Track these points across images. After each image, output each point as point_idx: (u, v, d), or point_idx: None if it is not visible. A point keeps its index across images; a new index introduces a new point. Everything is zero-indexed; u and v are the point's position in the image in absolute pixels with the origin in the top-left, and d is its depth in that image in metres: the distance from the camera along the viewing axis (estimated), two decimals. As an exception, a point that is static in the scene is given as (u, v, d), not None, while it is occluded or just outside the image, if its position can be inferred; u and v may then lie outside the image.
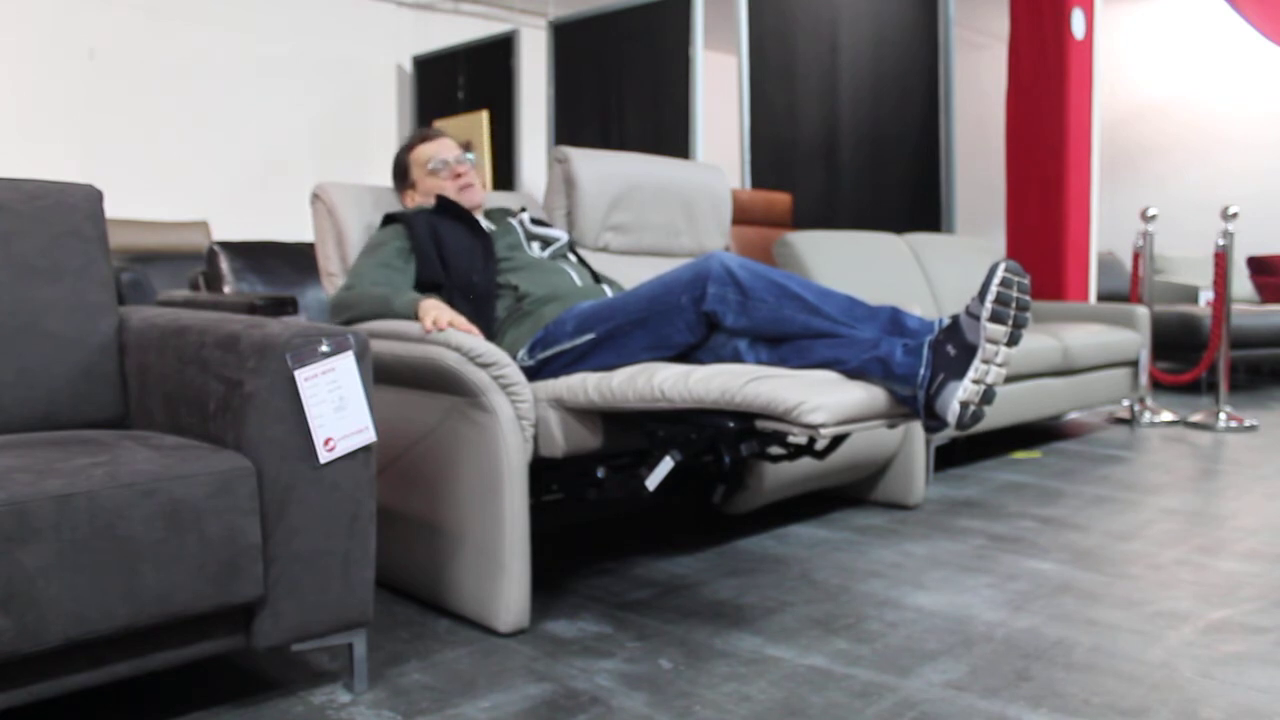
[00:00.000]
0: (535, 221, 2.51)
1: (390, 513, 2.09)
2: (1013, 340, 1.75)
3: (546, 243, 2.47)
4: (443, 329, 1.94)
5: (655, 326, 1.99)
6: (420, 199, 2.46)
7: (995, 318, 1.73)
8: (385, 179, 2.65)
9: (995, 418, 3.49)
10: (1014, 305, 1.74)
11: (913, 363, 1.80)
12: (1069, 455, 3.74)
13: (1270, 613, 2.05)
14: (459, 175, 2.43)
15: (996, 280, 1.74)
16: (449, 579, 1.99)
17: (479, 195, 2.46)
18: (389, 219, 2.35)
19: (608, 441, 2.04)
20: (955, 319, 1.79)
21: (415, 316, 2.00)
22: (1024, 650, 1.85)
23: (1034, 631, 1.94)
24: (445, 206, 2.37)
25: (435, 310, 1.98)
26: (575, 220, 2.74)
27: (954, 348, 1.77)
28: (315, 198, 2.42)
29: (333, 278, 2.39)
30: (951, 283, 4.26)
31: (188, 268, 3.93)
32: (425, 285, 2.24)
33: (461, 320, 1.98)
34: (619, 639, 1.91)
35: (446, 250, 2.27)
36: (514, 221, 2.47)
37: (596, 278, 2.45)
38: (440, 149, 2.46)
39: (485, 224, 2.40)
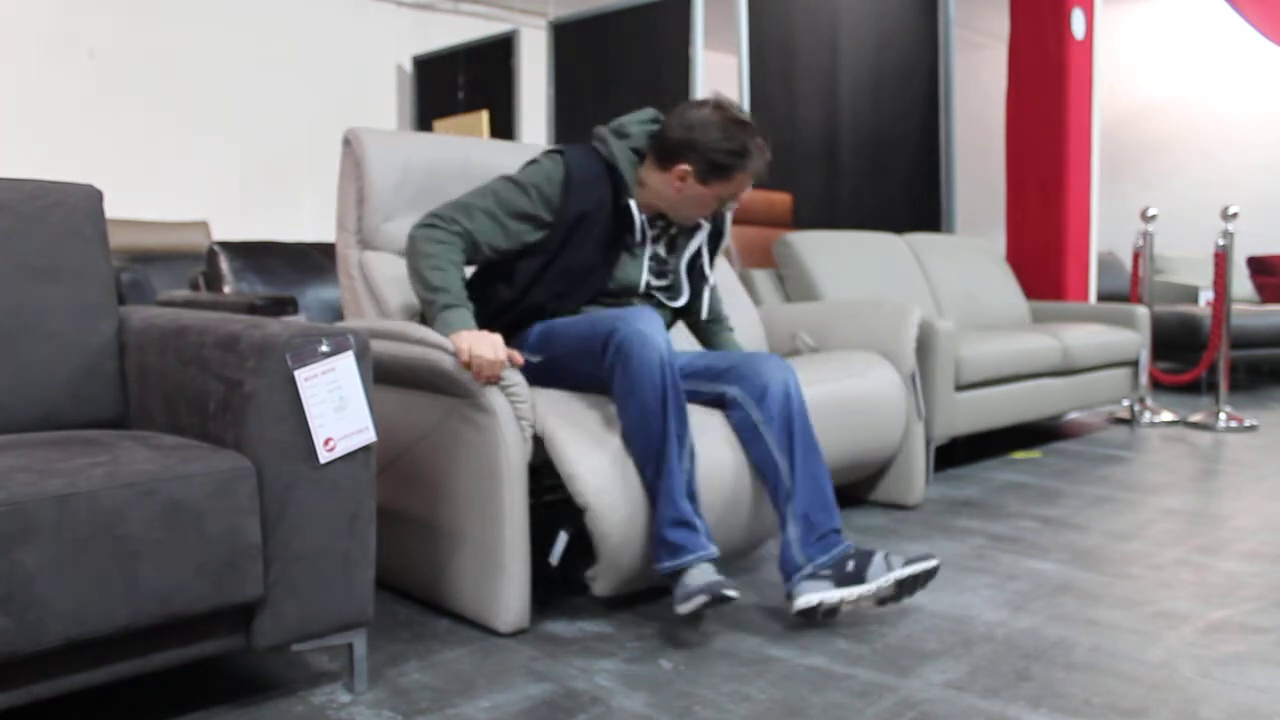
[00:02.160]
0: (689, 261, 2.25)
1: (390, 513, 2.10)
2: (881, 598, 1.96)
3: (661, 276, 2.22)
4: (492, 381, 1.86)
5: (588, 366, 1.98)
6: (659, 188, 2.11)
7: (899, 588, 1.94)
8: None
9: (995, 418, 3.50)
10: (910, 592, 1.96)
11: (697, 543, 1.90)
12: (1069, 455, 3.74)
13: (1270, 613, 2.05)
14: (709, 207, 2.15)
15: (925, 567, 1.94)
16: (449, 579, 1.99)
17: (692, 223, 2.21)
18: (557, 155, 2.08)
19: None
20: (865, 554, 1.95)
21: (446, 345, 1.89)
22: (1024, 650, 1.85)
23: (1034, 631, 1.94)
24: (615, 192, 2.08)
25: (479, 350, 1.85)
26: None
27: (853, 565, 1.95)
28: (346, 143, 2.32)
29: (345, 234, 2.33)
30: (951, 283, 4.27)
31: (188, 268, 3.94)
32: (520, 250, 2.07)
33: (502, 359, 1.87)
34: (619, 639, 1.91)
35: (565, 257, 2.07)
36: (651, 245, 2.19)
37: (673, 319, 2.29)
38: (744, 188, 2.13)
39: (649, 252, 2.16)
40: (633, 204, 2.11)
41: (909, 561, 1.94)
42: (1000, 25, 7.32)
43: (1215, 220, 4.71)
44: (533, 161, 2.13)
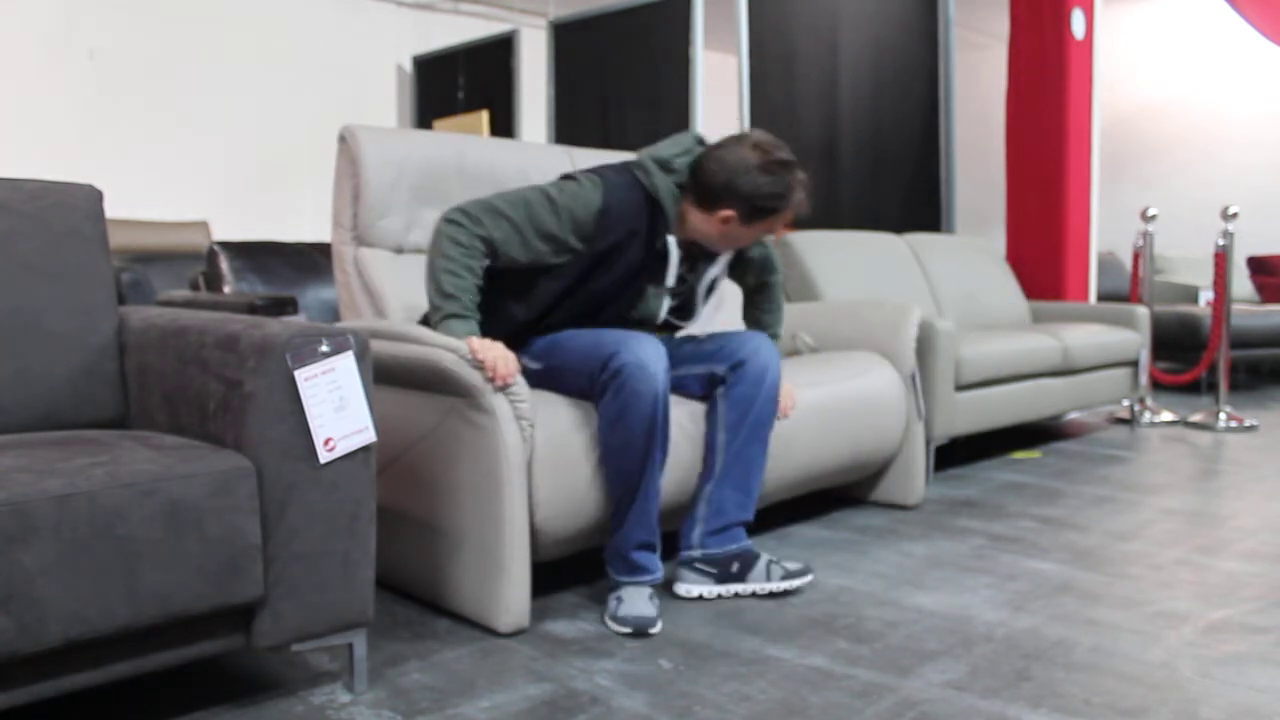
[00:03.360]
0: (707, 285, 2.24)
1: (390, 513, 2.10)
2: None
3: (677, 296, 2.22)
4: (507, 382, 1.87)
5: (582, 381, 2.01)
6: (700, 226, 2.09)
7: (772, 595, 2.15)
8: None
9: (995, 418, 3.50)
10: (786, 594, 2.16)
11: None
12: (1069, 455, 3.74)
13: (1270, 613, 2.05)
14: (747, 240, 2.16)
15: (798, 584, 2.15)
16: (449, 579, 1.99)
17: (727, 252, 2.21)
18: (598, 181, 2.04)
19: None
20: (751, 557, 2.15)
21: (461, 347, 1.90)
22: (1024, 650, 1.85)
23: (1034, 631, 1.94)
24: (653, 222, 2.06)
25: (493, 351, 1.87)
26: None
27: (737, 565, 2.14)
28: (342, 140, 2.34)
29: (341, 231, 2.35)
30: (951, 283, 4.27)
31: (188, 268, 3.94)
32: (535, 268, 2.05)
33: (513, 362, 1.89)
34: (619, 639, 1.91)
35: (601, 274, 2.06)
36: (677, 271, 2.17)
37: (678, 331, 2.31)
38: (787, 221, 2.13)
39: (672, 274, 2.14)
40: (671, 242, 2.10)
41: (786, 575, 2.14)
42: (1000, 25, 7.32)
43: (1215, 220, 4.71)
44: (571, 178, 2.08)
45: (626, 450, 1.93)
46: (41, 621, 1.27)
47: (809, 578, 2.15)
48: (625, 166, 2.11)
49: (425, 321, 2.08)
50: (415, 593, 2.09)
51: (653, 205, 2.07)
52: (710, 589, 2.14)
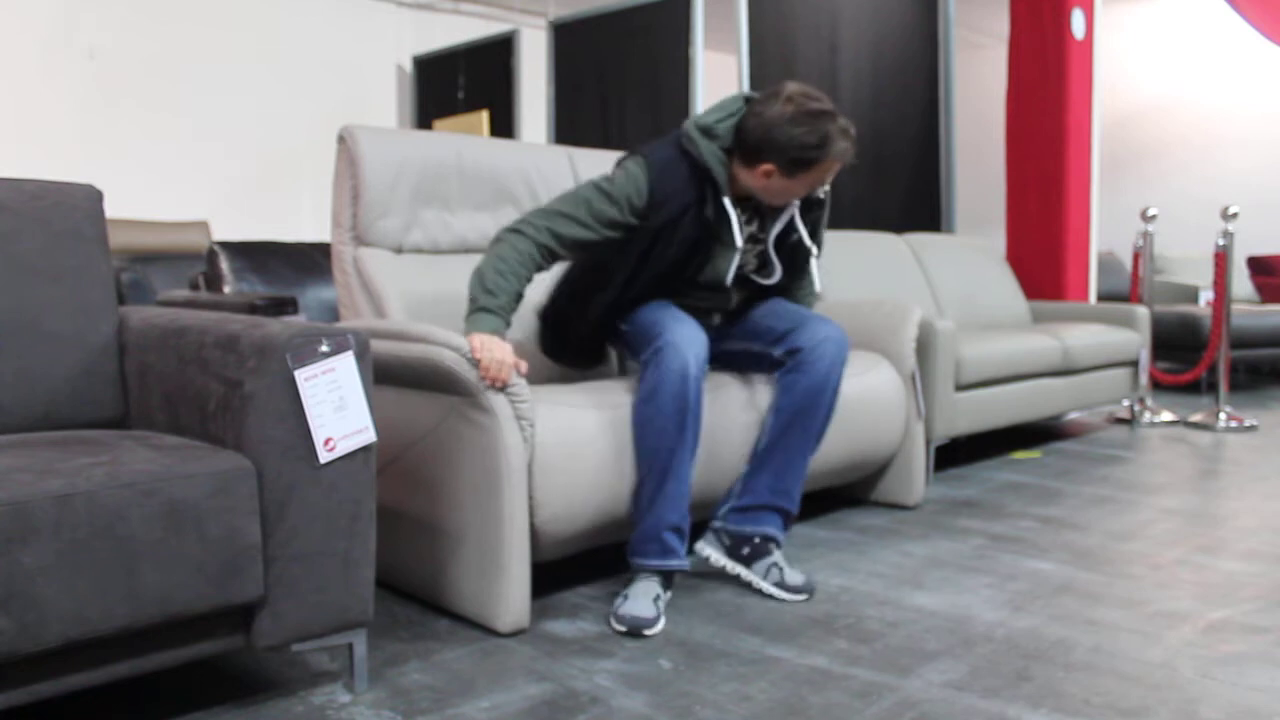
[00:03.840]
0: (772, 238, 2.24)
1: (390, 513, 2.09)
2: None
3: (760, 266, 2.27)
4: (501, 386, 1.89)
5: (632, 354, 2.16)
6: (748, 182, 2.12)
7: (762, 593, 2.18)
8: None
9: (995, 418, 3.50)
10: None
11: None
12: (1069, 455, 3.74)
13: (1270, 613, 2.05)
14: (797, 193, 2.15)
15: (788, 598, 2.15)
16: (449, 579, 1.99)
17: (780, 205, 2.20)
18: (642, 162, 2.11)
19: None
20: (764, 548, 2.19)
21: (462, 345, 1.92)
22: (1024, 650, 1.85)
23: (1034, 631, 1.94)
24: (702, 190, 2.10)
25: (493, 353, 1.88)
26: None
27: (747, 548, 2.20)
28: (341, 141, 2.35)
29: (340, 231, 2.35)
30: (951, 283, 4.27)
31: (188, 268, 3.94)
32: (607, 249, 2.14)
33: (509, 367, 1.90)
34: (619, 639, 1.91)
35: (653, 256, 2.12)
36: (744, 227, 2.20)
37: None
38: (833, 171, 2.11)
39: (738, 233, 2.15)
40: (728, 203, 2.13)
41: (780, 584, 2.15)
42: (1000, 25, 7.32)
43: (1215, 220, 4.71)
44: (621, 166, 2.16)
45: (656, 424, 1.97)
46: (41, 621, 1.27)
47: (803, 597, 2.14)
48: (674, 137, 2.16)
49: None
50: (415, 593, 2.09)
51: (702, 172, 2.11)
52: (718, 558, 2.21)
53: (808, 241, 2.28)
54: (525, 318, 2.53)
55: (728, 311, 2.34)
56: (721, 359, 2.37)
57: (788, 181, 2.09)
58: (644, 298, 2.18)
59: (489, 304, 1.99)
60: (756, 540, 2.18)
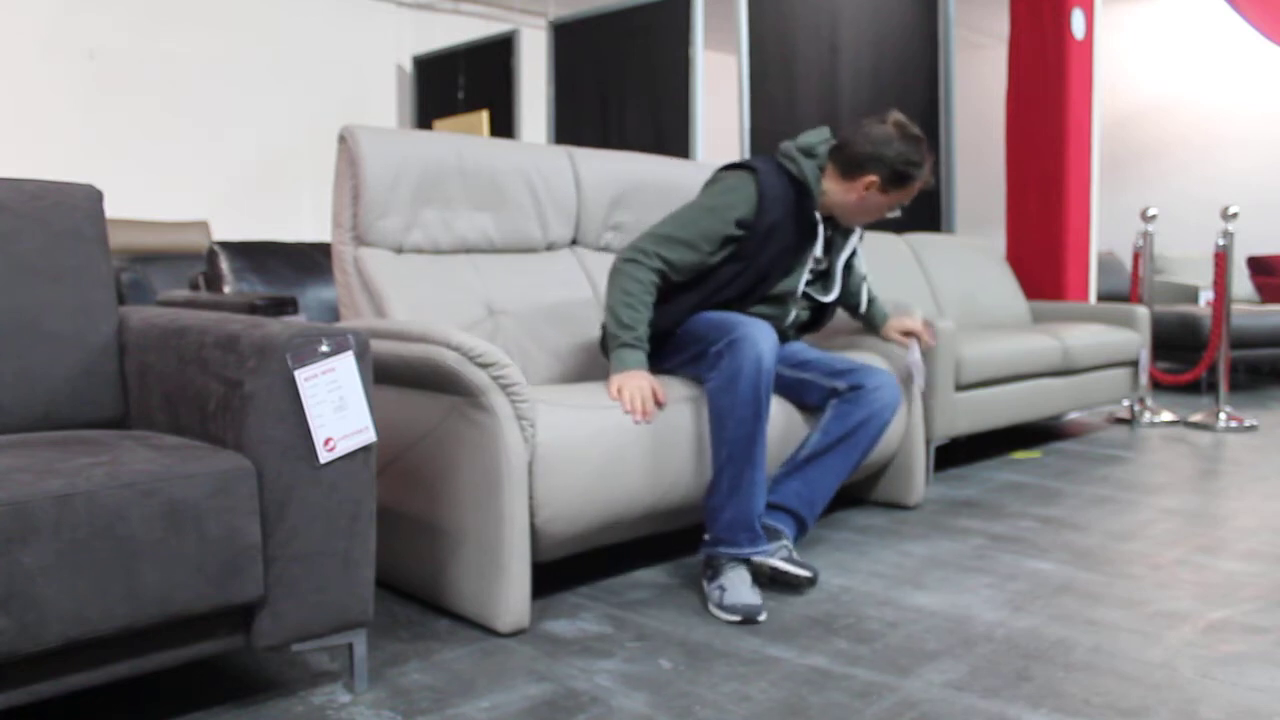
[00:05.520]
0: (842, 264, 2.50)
1: (390, 513, 2.09)
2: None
3: (821, 281, 2.48)
4: (645, 420, 2.09)
5: (703, 348, 2.20)
6: (840, 198, 2.33)
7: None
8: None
9: (995, 418, 3.50)
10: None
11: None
12: (1069, 455, 3.74)
13: (1270, 613, 2.05)
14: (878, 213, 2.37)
15: (802, 572, 2.15)
16: (449, 579, 1.99)
17: (860, 225, 2.45)
18: (750, 175, 2.30)
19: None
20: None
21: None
22: (1024, 650, 1.85)
23: (1034, 631, 1.94)
24: (800, 202, 2.31)
25: (632, 386, 2.10)
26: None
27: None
28: (342, 140, 2.36)
29: (341, 231, 2.36)
30: (951, 283, 4.26)
31: (188, 268, 3.93)
32: (716, 268, 2.31)
33: (650, 401, 2.10)
34: (619, 639, 1.91)
35: (755, 262, 2.30)
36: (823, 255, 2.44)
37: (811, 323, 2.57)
38: (913, 195, 2.35)
39: (820, 246, 2.38)
40: (818, 216, 2.35)
41: (789, 560, 2.14)
42: (1000, 25, 7.32)
43: (1215, 220, 4.71)
44: (718, 179, 2.36)
45: (737, 412, 2.03)
46: (41, 621, 1.27)
47: (809, 573, 2.15)
48: (770, 158, 2.37)
49: (603, 342, 2.31)
50: (415, 593, 2.09)
51: (799, 187, 2.33)
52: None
53: (862, 268, 2.58)
54: (539, 328, 2.53)
55: (783, 328, 2.48)
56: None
57: (882, 197, 2.31)
58: (726, 303, 2.32)
59: (629, 339, 2.18)
60: (769, 528, 2.20)
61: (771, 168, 2.33)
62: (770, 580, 2.17)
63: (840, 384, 2.36)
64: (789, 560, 2.14)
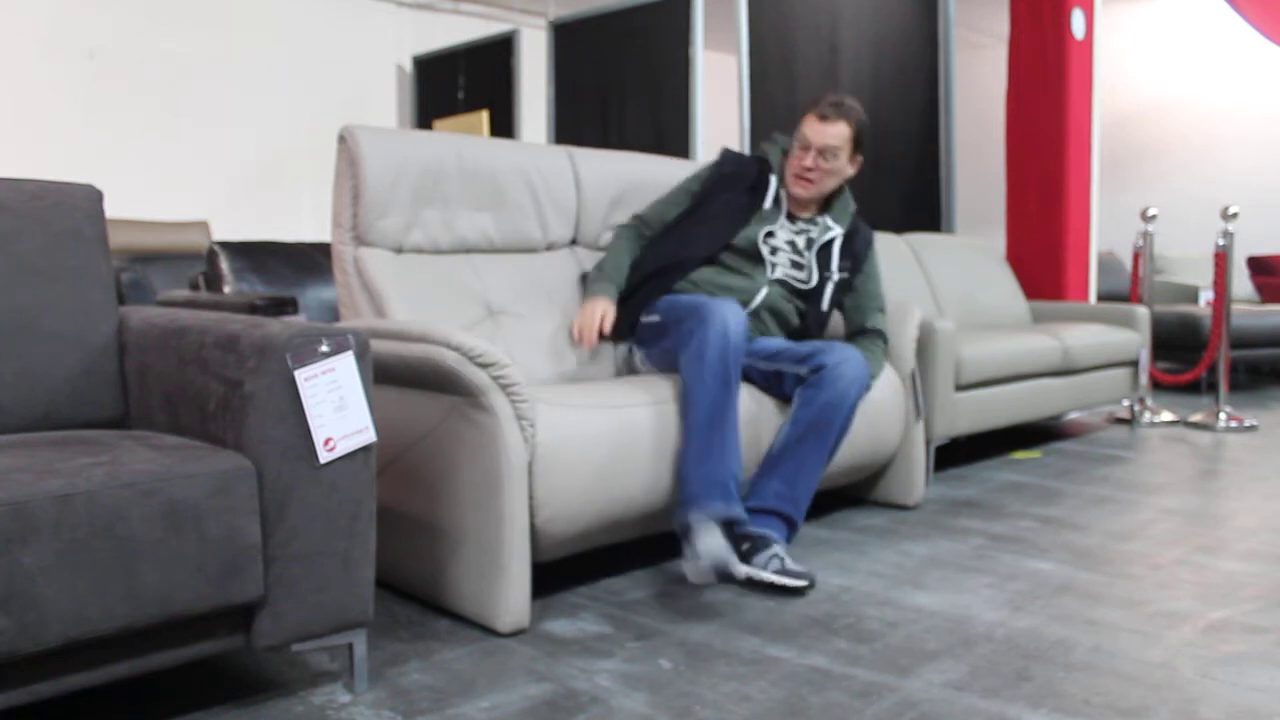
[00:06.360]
0: (817, 249, 2.62)
1: (390, 513, 2.09)
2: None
3: (797, 266, 2.61)
4: (583, 343, 2.41)
5: (682, 330, 2.28)
6: (788, 160, 2.62)
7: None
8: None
9: (995, 418, 3.50)
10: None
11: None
12: (1069, 455, 3.74)
13: (1270, 613, 2.05)
14: (805, 167, 2.55)
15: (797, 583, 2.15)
16: (449, 579, 1.99)
17: (804, 192, 2.58)
18: (724, 153, 2.72)
19: (608, 441, 2.04)
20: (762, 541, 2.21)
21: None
22: (1024, 650, 1.85)
23: (1034, 631, 1.94)
24: (761, 172, 2.63)
25: (584, 316, 2.44)
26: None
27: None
28: (342, 140, 2.36)
29: (341, 231, 2.36)
30: (951, 283, 4.26)
31: (188, 268, 3.93)
32: (677, 222, 2.66)
33: (593, 325, 2.40)
34: (619, 639, 1.91)
35: (705, 209, 2.61)
36: (789, 229, 2.61)
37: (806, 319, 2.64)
38: (814, 132, 2.54)
39: (767, 210, 2.61)
40: (772, 177, 2.63)
41: (782, 570, 2.14)
42: (1000, 25, 7.32)
43: (1215, 220, 4.70)
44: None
45: (705, 379, 2.09)
46: (41, 621, 1.27)
47: (805, 583, 2.14)
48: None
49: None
50: (415, 593, 2.09)
51: (762, 164, 2.66)
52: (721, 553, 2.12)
53: (834, 265, 2.61)
54: (539, 328, 2.52)
55: (756, 309, 2.56)
56: (749, 376, 2.45)
57: (795, 148, 2.60)
58: (689, 257, 2.55)
59: (596, 277, 2.54)
60: (756, 536, 2.19)
61: (747, 155, 2.70)
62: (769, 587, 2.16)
63: (803, 369, 2.36)
64: (782, 572, 2.14)
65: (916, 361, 2.90)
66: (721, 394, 2.09)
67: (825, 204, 2.67)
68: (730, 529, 2.06)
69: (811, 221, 2.63)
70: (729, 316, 2.15)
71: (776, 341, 2.51)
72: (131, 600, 1.34)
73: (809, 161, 2.53)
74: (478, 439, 1.90)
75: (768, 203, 2.59)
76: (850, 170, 2.63)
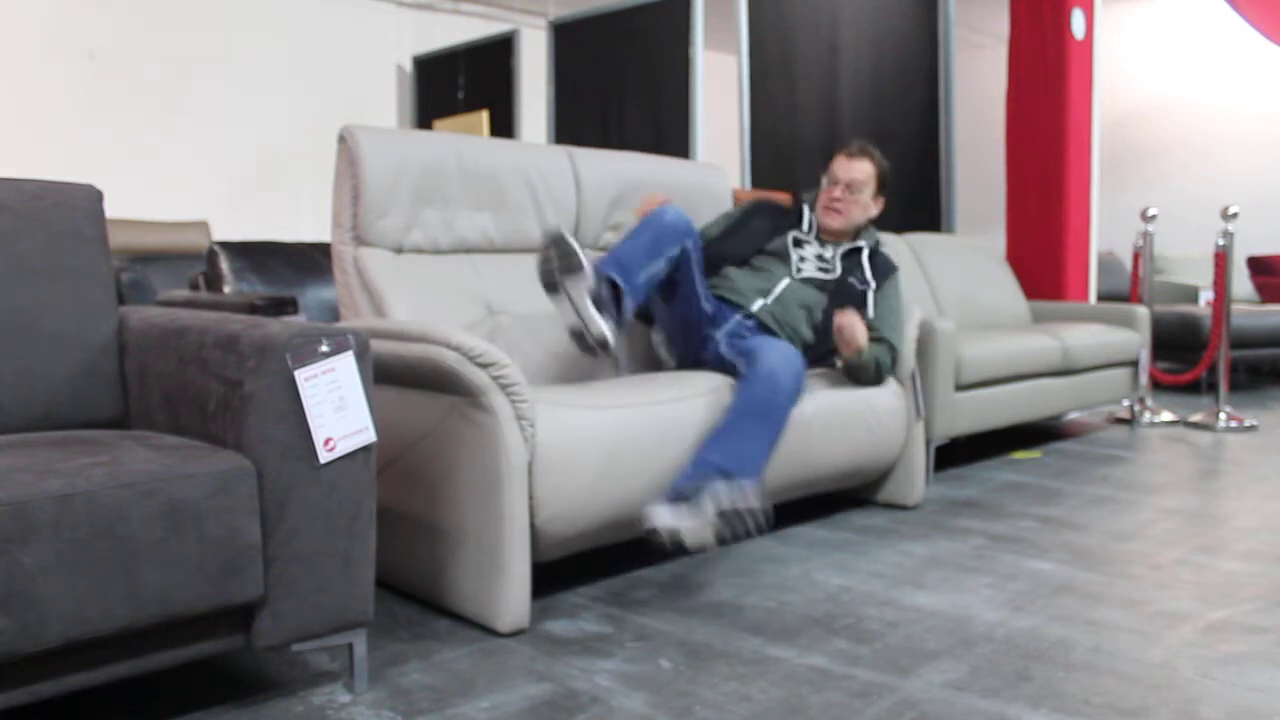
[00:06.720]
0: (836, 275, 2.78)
1: (390, 513, 2.09)
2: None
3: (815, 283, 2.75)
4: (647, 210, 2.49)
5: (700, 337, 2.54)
6: (819, 196, 2.86)
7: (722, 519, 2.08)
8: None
9: (995, 418, 3.50)
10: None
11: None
12: (1069, 455, 3.74)
13: (1270, 613, 2.05)
14: (834, 198, 2.80)
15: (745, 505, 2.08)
16: (449, 579, 1.99)
17: (833, 222, 2.80)
18: (760, 201, 2.98)
19: (608, 441, 2.04)
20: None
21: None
22: (1024, 650, 1.85)
23: (1034, 631, 1.94)
24: (797, 207, 2.88)
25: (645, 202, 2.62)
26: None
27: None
28: (342, 140, 2.36)
29: (341, 231, 2.36)
30: (951, 283, 4.26)
31: (188, 268, 3.93)
32: (718, 236, 2.83)
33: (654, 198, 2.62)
34: (619, 639, 1.91)
35: (745, 226, 2.82)
36: (818, 245, 2.81)
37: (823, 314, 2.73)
38: (842, 169, 2.83)
39: (801, 232, 2.82)
40: (806, 208, 2.86)
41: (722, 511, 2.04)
42: (1000, 25, 7.31)
43: (1215, 220, 4.70)
44: None
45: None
46: (41, 621, 1.27)
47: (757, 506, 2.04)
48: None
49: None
50: (415, 593, 2.09)
51: (797, 203, 2.90)
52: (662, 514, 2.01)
53: (868, 276, 2.76)
54: (539, 328, 2.53)
55: (780, 296, 2.68)
56: (720, 358, 2.49)
57: (827, 184, 2.85)
58: (723, 258, 2.74)
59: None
60: (689, 489, 2.03)
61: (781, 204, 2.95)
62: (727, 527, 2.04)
63: (741, 364, 2.36)
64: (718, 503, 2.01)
65: (917, 362, 2.90)
66: (655, 221, 2.32)
67: (853, 237, 2.87)
68: (614, 288, 2.16)
69: (839, 245, 2.83)
70: (681, 214, 2.37)
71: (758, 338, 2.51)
72: (131, 600, 1.34)
73: (837, 193, 2.79)
74: (478, 439, 1.90)
75: (804, 225, 2.83)
76: (874, 210, 2.87)
